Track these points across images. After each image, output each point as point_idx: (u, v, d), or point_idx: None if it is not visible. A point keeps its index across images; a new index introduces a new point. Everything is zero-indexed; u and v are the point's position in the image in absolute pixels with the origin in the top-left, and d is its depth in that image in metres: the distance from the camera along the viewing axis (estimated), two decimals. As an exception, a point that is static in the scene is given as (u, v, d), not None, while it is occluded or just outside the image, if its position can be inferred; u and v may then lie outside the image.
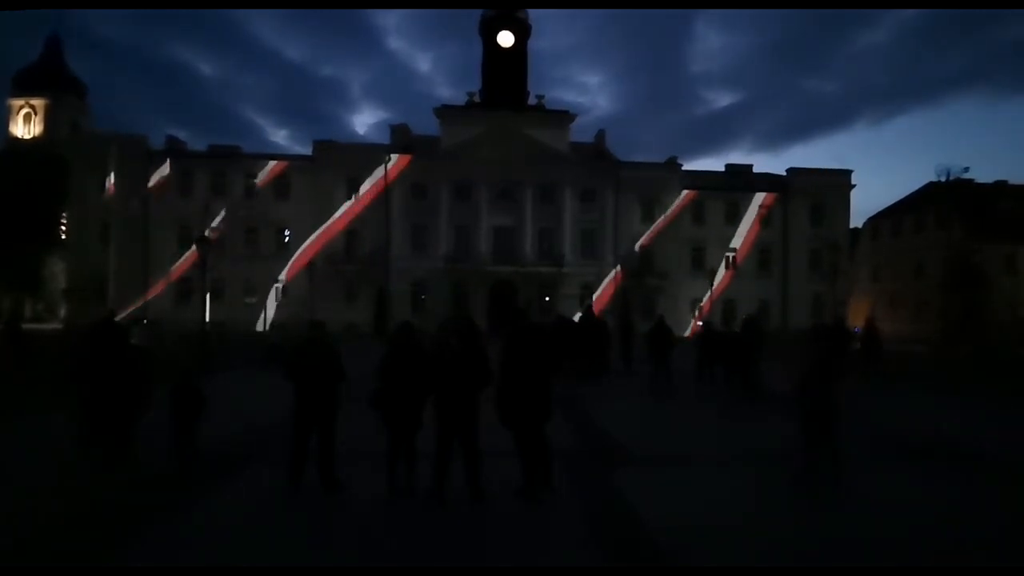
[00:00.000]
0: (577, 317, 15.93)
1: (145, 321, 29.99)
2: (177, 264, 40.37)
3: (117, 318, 11.35)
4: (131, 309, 37.10)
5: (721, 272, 43.90)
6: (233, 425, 8.09)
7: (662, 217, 43.83)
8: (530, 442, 5.17)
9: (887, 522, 4.83)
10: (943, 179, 32.72)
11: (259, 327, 39.02)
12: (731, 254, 44.98)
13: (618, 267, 42.74)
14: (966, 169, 32.52)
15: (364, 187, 41.61)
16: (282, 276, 40.97)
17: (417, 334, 5.47)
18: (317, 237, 41.19)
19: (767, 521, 4.88)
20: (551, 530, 4.65)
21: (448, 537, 4.48)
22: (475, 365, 5.04)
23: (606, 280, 42.82)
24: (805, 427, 5.74)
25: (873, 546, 4.37)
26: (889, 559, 4.18)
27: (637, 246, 43.19)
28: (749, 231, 45.18)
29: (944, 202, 40.11)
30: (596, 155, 44.86)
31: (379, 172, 41.60)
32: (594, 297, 41.53)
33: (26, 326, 19.55)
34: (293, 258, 40.84)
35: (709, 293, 39.66)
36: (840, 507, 5.26)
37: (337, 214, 41.39)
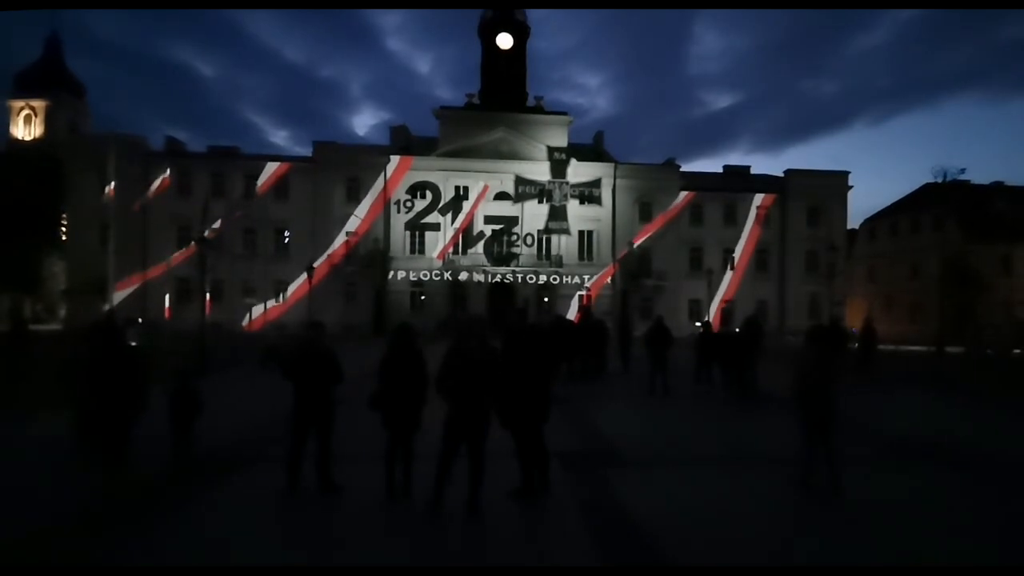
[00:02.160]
0: (575, 314, 16.02)
1: (140, 321, 29.99)
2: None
3: (115, 319, 11.43)
4: (129, 310, 37.20)
5: (728, 275, 44.15)
6: (230, 426, 8.12)
7: (660, 218, 43.99)
8: (528, 443, 5.22)
9: (884, 523, 4.87)
10: (940, 180, 32.79)
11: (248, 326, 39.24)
12: (733, 255, 45.13)
13: (612, 265, 42.84)
14: (963, 170, 32.60)
15: (371, 193, 41.67)
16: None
17: (416, 336, 5.45)
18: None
19: (764, 522, 4.90)
20: (547, 531, 4.69)
21: (445, 537, 4.51)
22: (492, 371, 4.93)
23: (595, 276, 42.90)
24: (803, 428, 5.70)
25: (870, 546, 4.41)
26: (886, 559, 4.21)
27: (636, 247, 43.33)
28: (747, 232, 45.35)
29: (941, 203, 40.26)
30: (595, 156, 44.99)
31: (381, 176, 41.71)
32: (580, 294, 41.78)
33: (27, 327, 19.59)
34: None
35: (711, 294, 39.76)
36: (837, 508, 5.28)
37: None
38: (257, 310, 40.50)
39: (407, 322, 5.83)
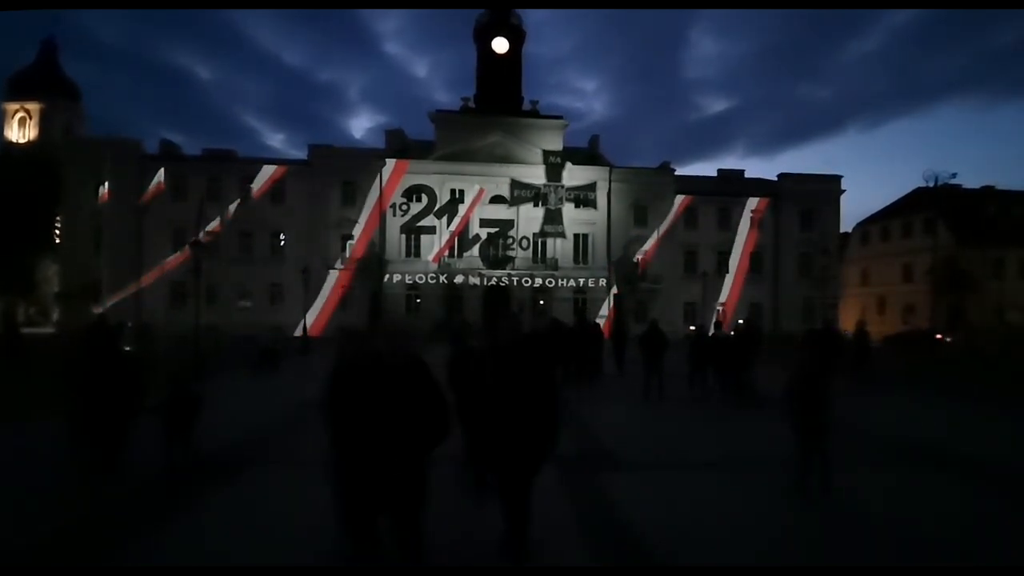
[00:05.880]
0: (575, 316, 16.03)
1: (130, 325, 29.81)
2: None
3: (107, 322, 11.43)
4: (122, 312, 37.10)
5: (722, 278, 44.41)
6: (227, 429, 8.14)
7: (655, 222, 44.21)
8: (510, 496, 3.91)
9: (880, 525, 4.92)
10: (931, 184, 33.02)
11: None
12: (728, 258, 45.38)
13: (612, 273, 43.01)
14: (954, 175, 32.74)
15: (367, 197, 41.68)
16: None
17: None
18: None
19: (760, 526, 4.93)
20: (543, 532, 4.66)
21: (440, 536, 4.46)
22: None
23: (592, 280, 42.94)
24: (797, 432, 5.70)
25: (866, 549, 4.47)
26: (882, 562, 4.26)
27: (631, 251, 43.50)
28: (742, 235, 45.64)
29: (932, 207, 40.59)
30: (590, 160, 45.20)
31: (377, 180, 41.74)
32: (596, 308, 41.83)
33: (20, 330, 19.58)
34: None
35: (706, 297, 39.88)
36: (832, 511, 5.32)
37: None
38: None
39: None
